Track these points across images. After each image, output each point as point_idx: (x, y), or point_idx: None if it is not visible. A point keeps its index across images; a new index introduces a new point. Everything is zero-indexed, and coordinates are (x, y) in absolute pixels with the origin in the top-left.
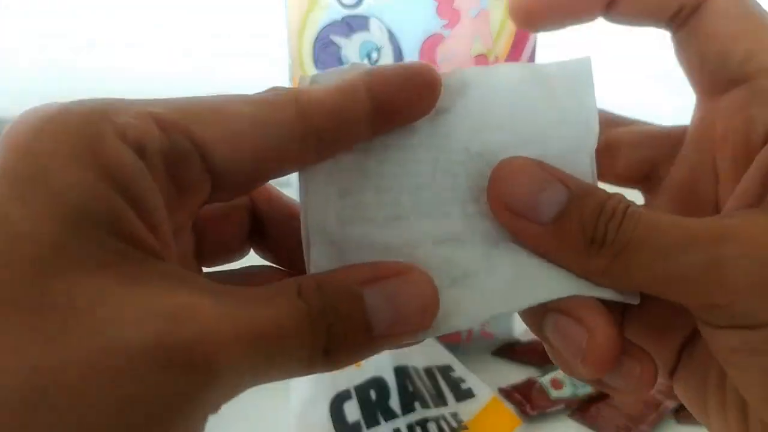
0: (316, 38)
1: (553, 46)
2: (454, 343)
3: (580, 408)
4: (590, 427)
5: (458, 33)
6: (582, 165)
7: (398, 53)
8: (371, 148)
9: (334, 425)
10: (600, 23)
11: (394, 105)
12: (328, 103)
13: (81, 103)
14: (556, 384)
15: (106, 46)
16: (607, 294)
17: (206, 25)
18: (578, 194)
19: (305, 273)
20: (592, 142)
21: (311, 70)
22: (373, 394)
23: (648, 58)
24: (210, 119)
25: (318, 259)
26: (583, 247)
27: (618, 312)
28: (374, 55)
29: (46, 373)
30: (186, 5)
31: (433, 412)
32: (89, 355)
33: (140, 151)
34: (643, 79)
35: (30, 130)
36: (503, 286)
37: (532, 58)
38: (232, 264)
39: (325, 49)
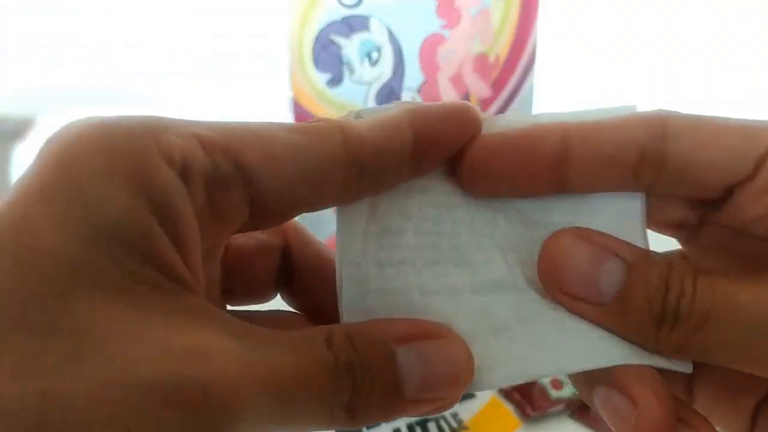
0: (317, 38)
1: (554, 44)
2: None
3: (580, 408)
4: (590, 427)
5: (458, 32)
6: (632, 225)
7: (398, 53)
8: (412, 190)
9: None
10: (601, 25)
11: (436, 142)
12: (372, 137)
13: (127, 118)
14: (557, 384)
15: (106, 46)
16: (660, 363)
17: (206, 25)
18: (637, 266)
19: (331, 323)
20: (639, 201)
21: (311, 70)
22: None
23: (646, 56)
24: (255, 143)
25: (349, 302)
26: (651, 324)
27: (682, 376)
28: (374, 55)
29: (51, 401)
30: (186, 5)
31: None
32: (98, 387)
33: (184, 172)
34: (644, 75)
35: (70, 143)
36: (546, 345)
37: (532, 58)
38: (257, 307)
39: (325, 48)
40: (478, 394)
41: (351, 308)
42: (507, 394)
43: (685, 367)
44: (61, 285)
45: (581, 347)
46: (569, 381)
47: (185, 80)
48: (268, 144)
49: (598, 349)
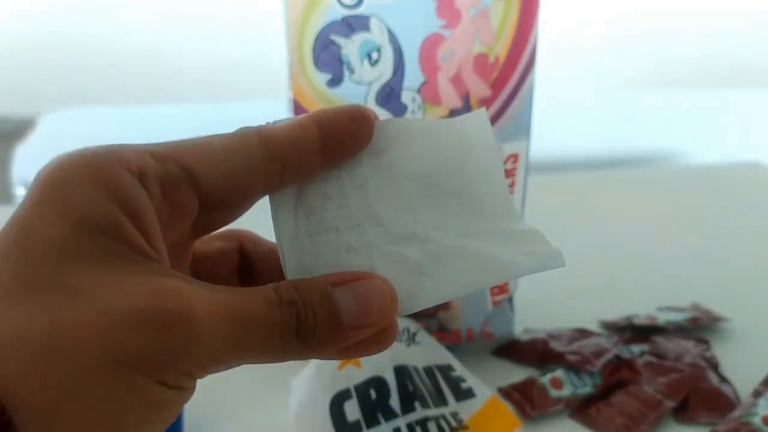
0: (317, 38)
1: (553, 43)
2: (454, 343)
3: (579, 408)
4: (590, 427)
5: (459, 32)
6: (498, 190)
7: (398, 53)
8: (328, 178)
9: (334, 424)
10: (598, 24)
11: (339, 135)
12: (284, 134)
13: (95, 147)
14: (556, 383)
15: (106, 47)
16: (537, 268)
17: (206, 26)
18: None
19: None
20: (500, 171)
21: (311, 70)
22: (373, 394)
23: (644, 58)
24: (194, 150)
25: (292, 266)
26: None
27: None
28: (374, 55)
29: (56, 329)
30: (186, 5)
31: (433, 411)
32: (92, 317)
33: (140, 177)
34: (641, 73)
35: (54, 166)
36: (450, 275)
37: (532, 57)
38: None
39: (325, 48)
40: (478, 394)
41: (294, 272)
42: (507, 393)
43: (559, 263)
44: (54, 261)
45: (478, 273)
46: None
47: (185, 80)
48: (204, 150)
49: (488, 271)
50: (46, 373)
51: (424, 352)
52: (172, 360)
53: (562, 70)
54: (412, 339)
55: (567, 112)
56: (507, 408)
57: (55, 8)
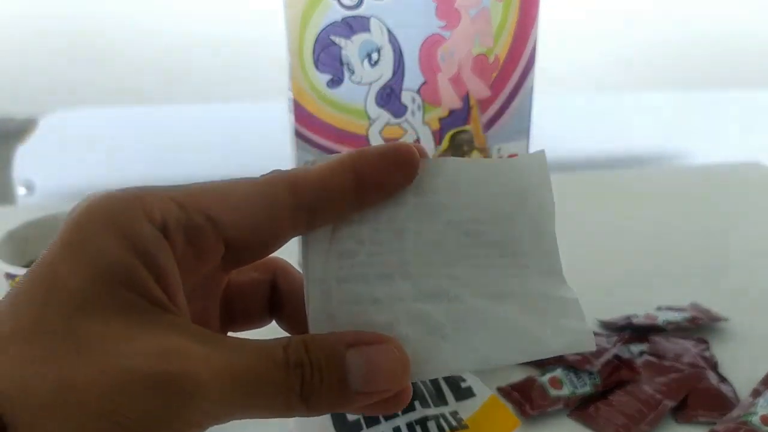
0: (317, 38)
1: (552, 43)
2: None
3: (578, 407)
4: (589, 426)
5: (458, 33)
6: (546, 243)
7: (398, 54)
8: (365, 219)
9: (334, 424)
10: (597, 25)
11: (376, 178)
12: (315, 178)
13: (123, 190)
14: (555, 383)
15: (108, 47)
16: (561, 350)
17: (207, 27)
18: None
19: None
20: (551, 222)
21: (312, 71)
22: None
23: (640, 59)
24: (217, 198)
25: (315, 311)
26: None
27: None
28: (374, 56)
29: (62, 384)
30: (187, 6)
31: (432, 410)
32: (97, 375)
33: (163, 226)
34: (641, 73)
35: (83, 210)
36: (473, 344)
37: (532, 58)
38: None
39: (325, 49)
40: (478, 393)
41: (317, 317)
42: (506, 393)
43: (588, 347)
44: (70, 309)
45: (502, 346)
46: None
47: (185, 81)
48: (228, 197)
49: (516, 345)
50: (47, 429)
51: None
52: (170, 422)
53: (561, 70)
54: None
55: (567, 112)
56: (506, 407)
57: (56, 9)
